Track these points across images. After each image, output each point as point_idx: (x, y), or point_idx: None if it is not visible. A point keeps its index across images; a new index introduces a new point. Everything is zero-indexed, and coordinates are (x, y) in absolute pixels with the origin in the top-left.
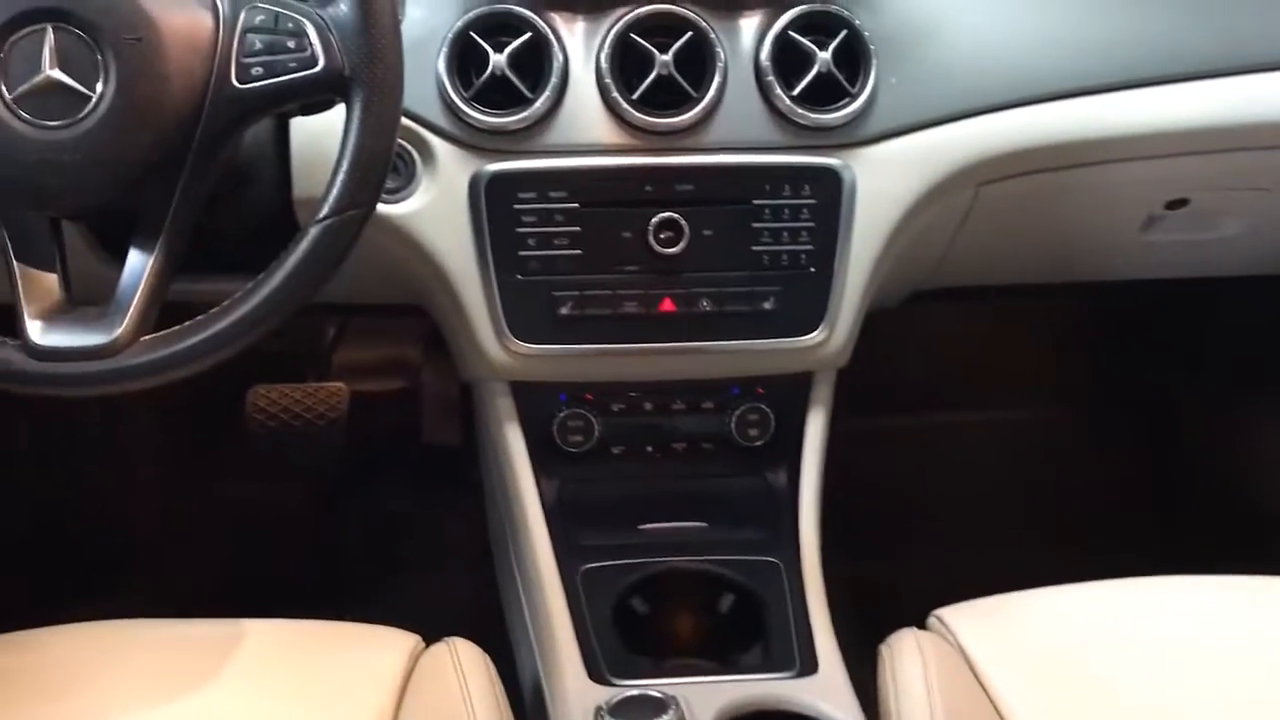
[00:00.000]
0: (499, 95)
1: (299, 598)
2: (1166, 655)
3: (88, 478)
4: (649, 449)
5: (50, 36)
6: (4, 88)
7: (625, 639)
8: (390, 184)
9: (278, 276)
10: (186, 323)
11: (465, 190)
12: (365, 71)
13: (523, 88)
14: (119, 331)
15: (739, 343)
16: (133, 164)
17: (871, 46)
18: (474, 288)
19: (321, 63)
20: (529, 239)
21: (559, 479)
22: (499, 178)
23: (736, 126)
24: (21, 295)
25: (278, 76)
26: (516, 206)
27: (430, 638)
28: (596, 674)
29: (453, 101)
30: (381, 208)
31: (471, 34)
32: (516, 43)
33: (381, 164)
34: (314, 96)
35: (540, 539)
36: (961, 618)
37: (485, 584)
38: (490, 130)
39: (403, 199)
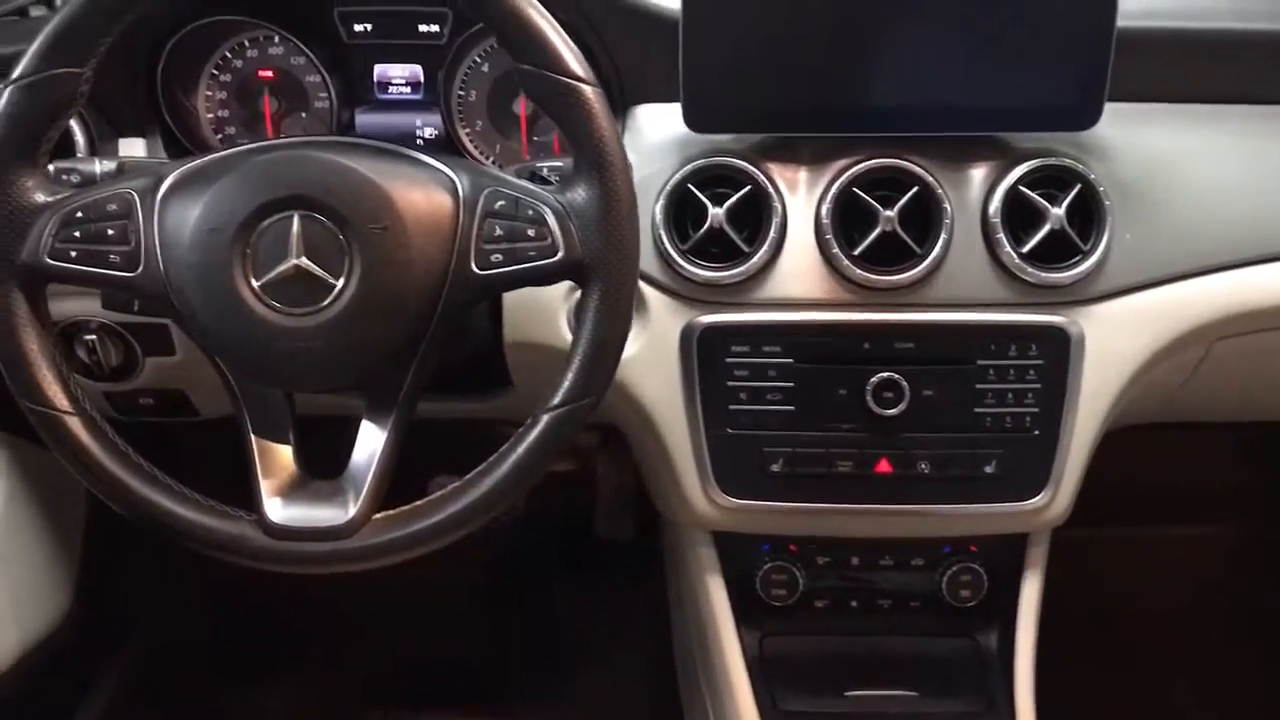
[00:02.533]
0: (715, 248)
1: (466, 690)
2: None
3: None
4: (853, 604)
5: (297, 225)
6: (252, 274)
7: None
8: None
9: (508, 463)
10: (419, 503)
11: (677, 340)
12: (604, 260)
13: (739, 241)
14: (354, 511)
15: (956, 507)
16: (371, 351)
17: (1106, 202)
18: (681, 438)
19: (561, 252)
20: (741, 393)
21: (759, 631)
22: (712, 330)
23: (961, 284)
24: (259, 469)
25: (518, 264)
26: (729, 360)
27: None
28: None
29: (668, 254)
30: None
31: (689, 186)
32: (735, 197)
33: (615, 352)
34: (550, 282)
35: (746, 707)
36: None
37: (656, 693)
38: (706, 283)
39: None
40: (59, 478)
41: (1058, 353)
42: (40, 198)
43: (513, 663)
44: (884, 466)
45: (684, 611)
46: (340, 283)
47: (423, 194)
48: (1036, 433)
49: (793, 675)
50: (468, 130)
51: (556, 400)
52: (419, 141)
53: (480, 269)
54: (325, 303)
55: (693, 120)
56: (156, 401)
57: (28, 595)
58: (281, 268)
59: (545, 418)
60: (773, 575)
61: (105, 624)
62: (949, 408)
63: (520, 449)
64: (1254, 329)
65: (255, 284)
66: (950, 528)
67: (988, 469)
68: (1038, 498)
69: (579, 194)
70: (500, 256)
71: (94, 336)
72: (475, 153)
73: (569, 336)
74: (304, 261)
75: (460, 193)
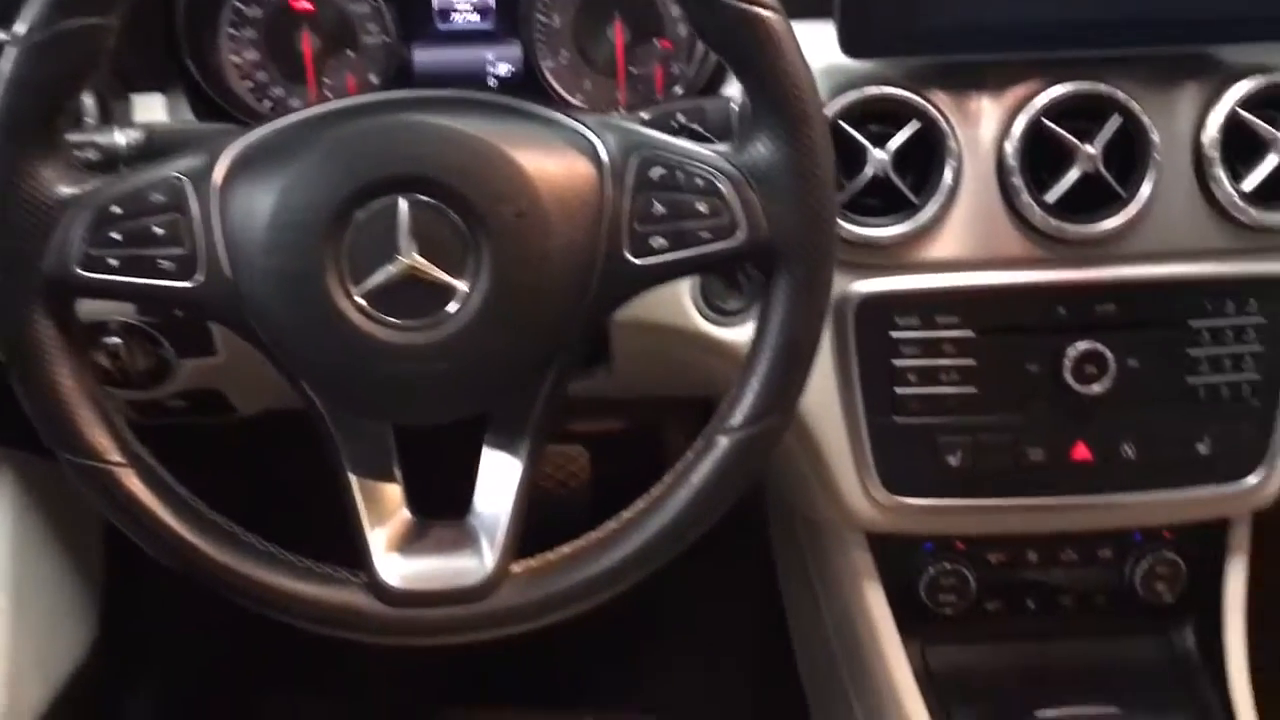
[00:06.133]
0: (874, 200)
1: (521, 685)
2: None
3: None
4: (1030, 605)
5: (405, 213)
6: (349, 279)
7: None
8: (733, 304)
9: (680, 497)
10: (565, 550)
11: (829, 314)
12: (799, 240)
13: (906, 190)
14: (491, 565)
15: (1165, 493)
16: (503, 368)
17: None
18: (835, 429)
19: (742, 231)
20: (909, 374)
21: (920, 643)
22: (872, 301)
23: (1170, 231)
24: (364, 518)
25: (686, 249)
26: (894, 334)
27: None
28: None
29: None
30: (718, 331)
31: (842, 124)
32: (901, 136)
33: (810, 355)
34: (728, 269)
35: None
36: None
37: (743, 673)
38: (864, 243)
39: (747, 321)
40: (74, 494)
41: (1278, 306)
42: (64, 190)
43: (591, 654)
44: (1082, 453)
45: (819, 620)
46: (466, 285)
47: (560, 164)
48: (1255, 403)
49: (969, 692)
50: (550, 65)
51: (739, 419)
52: (491, 82)
53: (637, 257)
54: (448, 311)
55: (850, 42)
56: (189, 403)
57: (53, 632)
58: (389, 270)
59: (724, 440)
60: (941, 580)
61: (132, 649)
62: (1158, 379)
63: (695, 479)
64: None
65: (355, 293)
66: (1152, 517)
67: (1200, 448)
68: (1251, 477)
69: (761, 153)
70: (663, 240)
71: (117, 339)
72: (563, 93)
73: (697, 318)
74: (418, 260)
75: (604, 159)
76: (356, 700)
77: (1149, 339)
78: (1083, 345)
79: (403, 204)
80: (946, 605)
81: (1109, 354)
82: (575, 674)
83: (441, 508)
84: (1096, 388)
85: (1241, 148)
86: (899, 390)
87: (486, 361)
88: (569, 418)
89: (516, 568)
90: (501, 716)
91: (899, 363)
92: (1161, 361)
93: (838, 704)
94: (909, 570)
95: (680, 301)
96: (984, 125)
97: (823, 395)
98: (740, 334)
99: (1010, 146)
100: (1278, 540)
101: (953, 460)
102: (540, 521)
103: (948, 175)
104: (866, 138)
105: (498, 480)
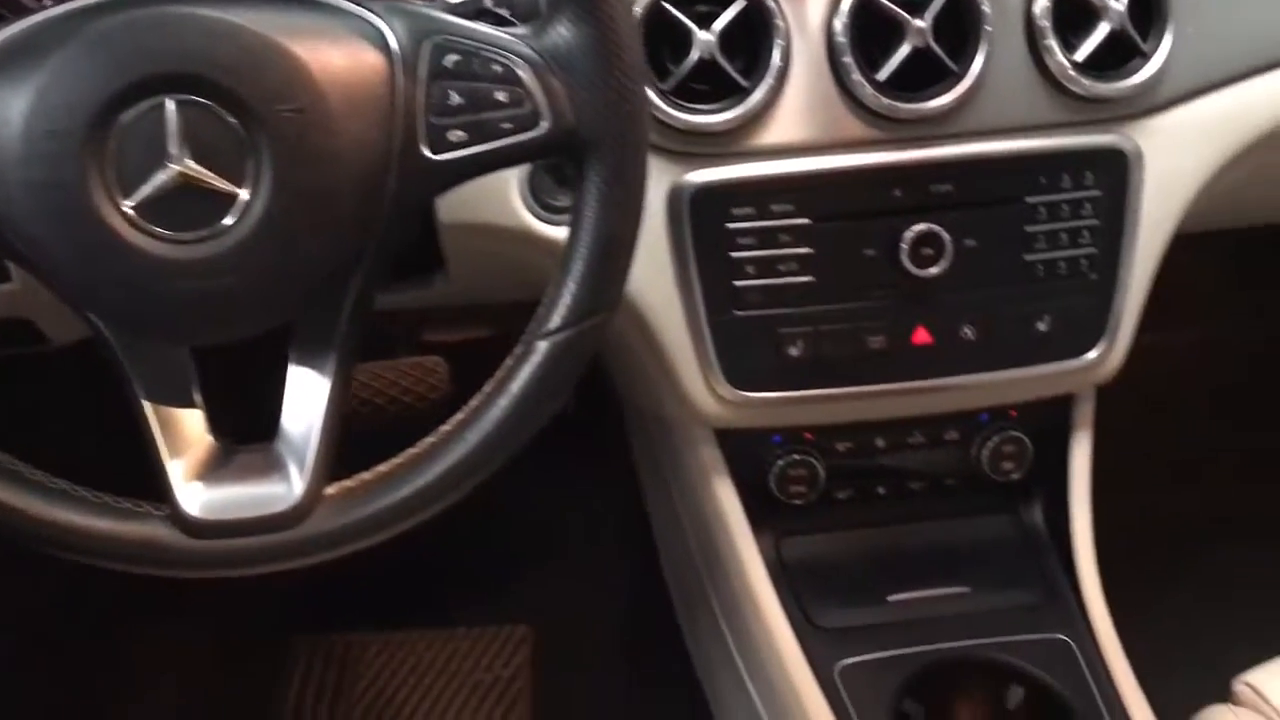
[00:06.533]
0: (703, 85)
1: (403, 600)
2: None
3: None
4: (880, 491)
5: (174, 114)
6: (117, 190)
7: None
8: (563, 200)
9: (500, 407)
10: (382, 469)
11: (663, 206)
12: (607, 128)
13: (735, 74)
14: (301, 489)
15: (1005, 373)
16: (298, 279)
17: None
18: (675, 325)
19: (547, 121)
20: (747, 266)
21: (773, 535)
22: (706, 191)
23: (1003, 105)
24: (162, 447)
25: (487, 142)
26: (730, 226)
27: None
28: None
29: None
30: (549, 230)
31: (665, 4)
32: (727, 15)
33: (628, 251)
34: (533, 161)
35: (778, 629)
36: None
37: (614, 573)
38: (694, 131)
39: None
40: None
41: (1115, 179)
42: None
43: (452, 561)
44: (923, 337)
45: (674, 517)
46: (246, 193)
47: (344, 55)
48: (1094, 277)
49: (822, 582)
50: None
51: (557, 322)
52: None
53: (435, 153)
54: (227, 221)
55: None
56: None
57: None
58: (160, 178)
59: (542, 345)
60: (789, 471)
61: None
62: (996, 258)
63: (514, 388)
64: None
65: (125, 205)
66: (996, 397)
67: (1040, 326)
68: (1093, 352)
69: (562, 36)
70: (462, 134)
71: None
72: None
73: (527, 216)
74: (191, 166)
75: (393, 48)
76: (219, 628)
77: (985, 218)
78: (919, 227)
79: (170, 105)
80: (797, 496)
81: (945, 235)
82: (446, 592)
83: (252, 433)
84: (934, 270)
85: (1073, 18)
86: (738, 283)
87: (277, 274)
88: (423, 328)
89: (331, 490)
90: (373, 638)
91: (736, 255)
92: (998, 240)
93: (698, 600)
94: (759, 463)
95: (508, 200)
96: (812, 2)
97: (662, 292)
98: None
99: (839, 23)
100: (1123, 414)
101: (794, 351)
102: (401, 437)
103: (776, 56)
104: (692, 19)
105: (305, 400)
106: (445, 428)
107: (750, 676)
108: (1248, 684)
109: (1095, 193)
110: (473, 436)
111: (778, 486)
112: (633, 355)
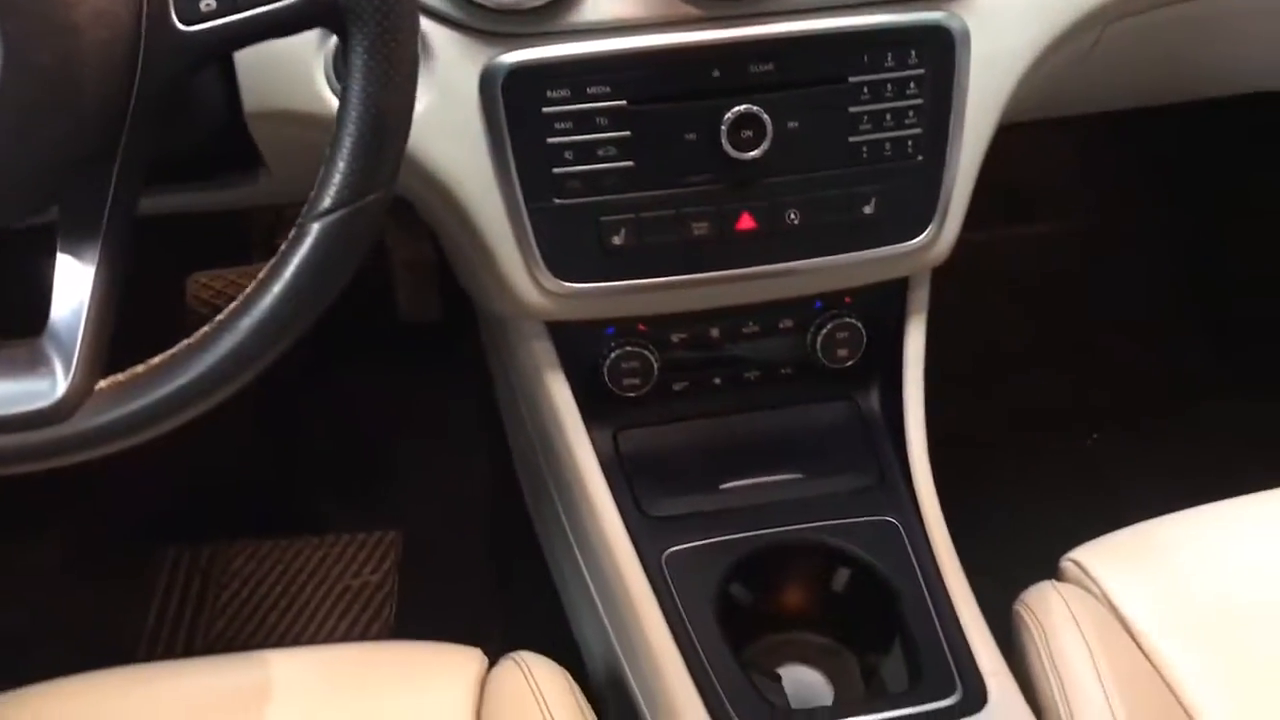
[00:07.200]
0: None
1: (270, 509)
2: None
3: None
4: (716, 381)
5: None
6: None
7: (731, 639)
8: None
9: (274, 293)
10: (154, 361)
11: (475, 91)
12: None
13: None
14: (67, 384)
15: (833, 258)
16: (45, 163)
17: None
18: (496, 216)
19: None
20: (565, 151)
21: (611, 428)
22: (519, 73)
23: None
24: None
25: (240, 11)
26: (546, 110)
27: (490, 650)
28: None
29: None
30: None
31: None
32: None
33: (400, 125)
34: (291, 33)
35: (608, 520)
36: (1103, 563)
37: (477, 475)
38: (505, 9)
39: None
40: None
41: (941, 58)
42: None
43: (322, 475)
44: (747, 222)
45: (518, 412)
46: None
47: None
48: (920, 158)
49: (658, 473)
50: None
51: (328, 202)
52: None
53: (185, 23)
54: None
55: None
56: None
57: None
58: None
59: (315, 227)
60: (622, 363)
61: None
62: (819, 141)
63: (287, 273)
64: (1150, 6)
65: None
66: (825, 283)
67: (866, 210)
68: (922, 235)
69: None
70: (212, 2)
71: None
72: None
73: (331, 100)
74: None
75: None
76: (79, 544)
77: (807, 99)
78: (739, 109)
79: None
80: (631, 389)
81: (766, 117)
82: (319, 501)
83: (21, 327)
84: (755, 153)
85: None
86: (556, 170)
87: (19, 158)
88: (277, 232)
89: (102, 385)
90: (240, 547)
91: (554, 140)
92: (821, 122)
93: (542, 495)
94: (592, 356)
95: (312, 84)
96: None
97: (479, 180)
98: None
99: None
100: (957, 296)
101: (617, 240)
102: None
103: None
104: None
105: (72, 291)
106: (220, 317)
107: (586, 567)
108: (1073, 560)
109: (920, 72)
110: (246, 324)
111: (611, 379)
112: (456, 248)
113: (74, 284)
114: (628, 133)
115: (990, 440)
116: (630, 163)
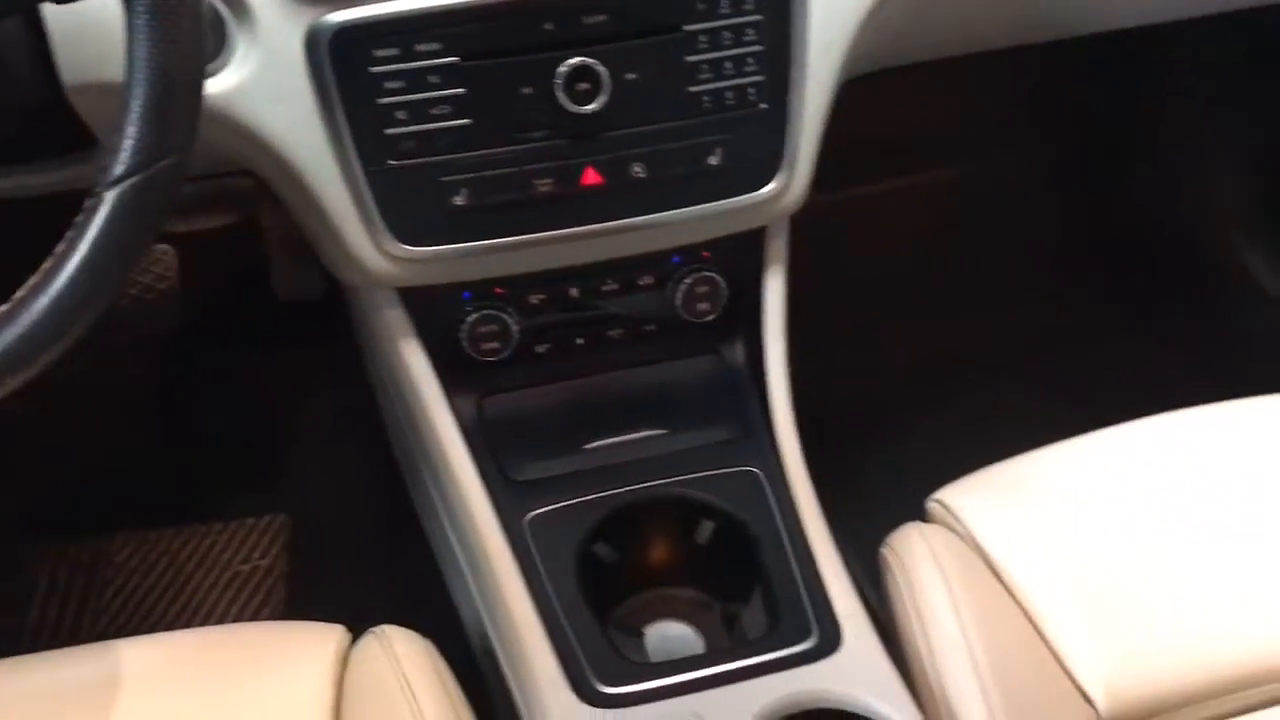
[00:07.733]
0: None
1: (154, 499)
2: (1183, 508)
3: None
4: (579, 342)
5: None
6: None
7: (594, 599)
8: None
9: (71, 266)
10: None
11: (301, 52)
12: None
13: None
14: None
15: (682, 211)
16: None
17: None
18: (332, 181)
19: None
20: (398, 111)
21: (475, 395)
22: (346, 31)
23: None
24: None
25: None
26: (375, 69)
27: (355, 627)
28: (583, 686)
29: None
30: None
31: None
32: None
33: (189, 86)
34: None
35: (470, 487)
36: (967, 502)
37: (365, 454)
38: None
39: (215, 73)
40: None
41: (778, 3)
42: None
43: (206, 462)
44: (592, 177)
45: (384, 385)
46: None
47: None
48: (764, 107)
49: (522, 437)
50: None
51: (121, 169)
52: None
53: None
54: None
55: None
56: None
57: None
58: None
59: (109, 195)
60: (479, 328)
61: None
62: (659, 92)
63: (83, 245)
64: None
65: None
66: (678, 237)
67: (712, 160)
68: (771, 185)
69: None
70: None
71: None
72: None
73: None
74: None
75: None
76: None
77: (643, 49)
78: (573, 61)
79: None
80: (490, 353)
81: (601, 68)
82: (205, 489)
83: None
84: (593, 106)
85: None
86: (390, 131)
87: None
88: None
89: None
90: (123, 539)
91: (385, 100)
92: (659, 72)
93: (414, 467)
94: (449, 322)
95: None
96: None
97: (312, 145)
98: (214, 87)
99: None
100: (818, 242)
101: (459, 200)
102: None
103: None
104: None
105: None
106: (18, 294)
107: (454, 536)
108: (938, 501)
109: (757, 17)
110: (43, 301)
111: (470, 344)
112: (306, 219)
113: None
114: (461, 90)
115: (879, 389)
116: (467, 120)
